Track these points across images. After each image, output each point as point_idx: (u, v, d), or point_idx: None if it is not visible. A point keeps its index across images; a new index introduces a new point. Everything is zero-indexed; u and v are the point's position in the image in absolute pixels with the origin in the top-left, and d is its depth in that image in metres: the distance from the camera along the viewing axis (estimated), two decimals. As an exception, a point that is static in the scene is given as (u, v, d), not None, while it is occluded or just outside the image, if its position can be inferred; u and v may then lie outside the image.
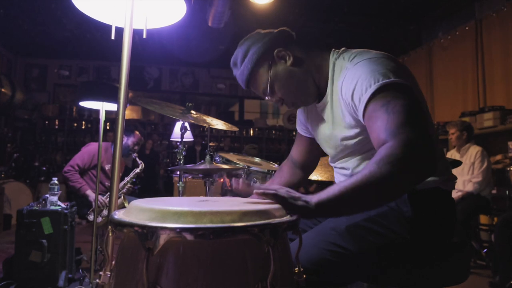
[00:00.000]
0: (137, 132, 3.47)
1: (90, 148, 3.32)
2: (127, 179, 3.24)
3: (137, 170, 3.26)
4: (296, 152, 1.42)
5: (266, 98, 1.18)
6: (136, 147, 3.44)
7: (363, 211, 0.97)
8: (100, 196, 3.12)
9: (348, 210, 0.88)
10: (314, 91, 1.16)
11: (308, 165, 1.43)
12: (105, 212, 3.05)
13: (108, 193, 3.14)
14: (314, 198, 0.83)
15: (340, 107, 1.08)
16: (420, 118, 0.91)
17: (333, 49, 1.16)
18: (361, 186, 0.82)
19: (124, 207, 3.21)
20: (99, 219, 2.98)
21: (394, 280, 1.05)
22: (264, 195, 0.82)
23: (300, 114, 1.36)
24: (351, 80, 0.99)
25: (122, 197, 3.15)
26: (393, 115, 0.89)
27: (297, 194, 0.84)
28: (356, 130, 1.06)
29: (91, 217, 3.05)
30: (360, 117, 0.99)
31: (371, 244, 0.98)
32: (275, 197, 0.82)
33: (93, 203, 3.06)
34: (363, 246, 0.97)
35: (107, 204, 3.07)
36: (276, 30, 1.17)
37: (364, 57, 1.02)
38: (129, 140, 3.38)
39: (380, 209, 1.03)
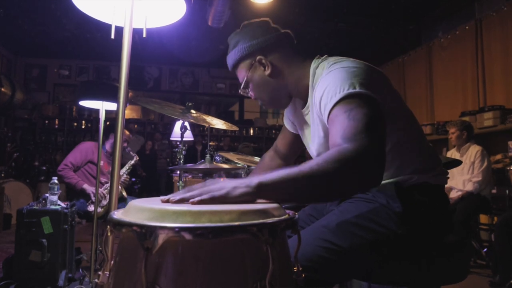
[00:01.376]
0: (125, 130, 3.50)
1: (82, 147, 3.39)
2: (123, 170, 3.29)
3: (132, 162, 3.34)
4: (281, 143, 1.50)
5: (240, 91, 1.26)
6: (125, 144, 3.47)
7: (300, 202, 0.99)
8: (93, 188, 3.17)
9: (287, 197, 0.87)
10: (285, 102, 1.26)
11: (290, 157, 1.51)
12: (104, 202, 3.09)
13: (105, 184, 3.22)
14: (255, 179, 0.82)
15: (316, 114, 1.11)
16: (378, 129, 0.93)
17: (318, 55, 1.20)
18: (304, 176, 0.83)
19: (122, 196, 3.23)
20: (99, 209, 3.03)
21: (392, 277, 1.05)
22: (202, 202, 0.78)
23: (287, 111, 1.40)
24: (321, 88, 1.03)
25: (120, 187, 3.19)
26: (353, 121, 0.91)
27: (231, 183, 0.82)
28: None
29: (90, 208, 3.09)
30: (326, 123, 1.02)
31: (363, 240, 0.99)
32: (214, 200, 0.78)
33: (91, 196, 3.12)
34: (354, 242, 0.98)
35: (105, 195, 3.13)
36: (271, 35, 1.20)
37: (337, 66, 1.05)
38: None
39: (371, 206, 1.05)
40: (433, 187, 1.10)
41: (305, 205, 1.45)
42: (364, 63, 1.07)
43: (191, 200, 0.77)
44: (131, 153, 3.32)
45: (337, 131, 0.92)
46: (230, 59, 1.23)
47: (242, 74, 1.22)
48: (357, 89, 0.95)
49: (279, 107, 1.31)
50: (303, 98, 1.22)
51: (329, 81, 1.01)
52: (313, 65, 1.17)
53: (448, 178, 1.18)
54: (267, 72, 1.18)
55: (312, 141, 1.22)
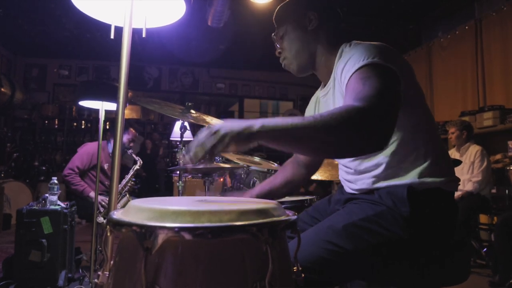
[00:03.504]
0: (131, 129, 3.44)
1: (88, 149, 3.30)
2: (128, 177, 3.21)
3: (136, 167, 3.23)
4: None
5: (274, 37, 1.27)
6: (131, 144, 3.41)
7: (299, 152, 0.99)
8: (103, 197, 3.12)
9: (286, 145, 0.87)
10: (307, 67, 1.24)
11: (313, 165, 1.44)
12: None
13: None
14: (258, 121, 0.82)
15: (339, 91, 1.10)
16: (390, 98, 0.92)
17: (345, 42, 1.21)
18: (308, 126, 0.82)
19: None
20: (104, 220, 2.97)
21: (393, 279, 1.05)
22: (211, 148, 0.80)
23: (307, 113, 1.39)
24: (344, 60, 1.05)
25: (127, 195, 3.14)
26: (367, 87, 0.91)
27: (234, 125, 0.82)
28: None
29: (99, 219, 3.03)
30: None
31: (367, 243, 0.98)
32: (223, 137, 0.79)
33: (99, 206, 3.05)
34: (359, 245, 0.97)
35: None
36: (336, 8, 1.27)
37: (364, 43, 1.07)
38: (124, 137, 3.35)
39: (377, 209, 1.03)
40: (444, 194, 1.07)
41: (307, 205, 1.45)
42: (386, 45, 1.07)
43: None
44: (133, 156, 3.23)
45: (350, 94, 0.93)
46: (281, 10, 1.26)
47: (285, 20, 1.23)
48: (377, 59, 0.96)
49: (299, 68, 1.25)
50: (324, 77, 1.23)
51: (352, 54, 1.03)
52: (342, 46, 1.18)
53: (458, 185, 1.15)
54: (311, 27, 1.20)
55: None
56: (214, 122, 2.36)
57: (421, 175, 1.04)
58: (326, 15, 1.23)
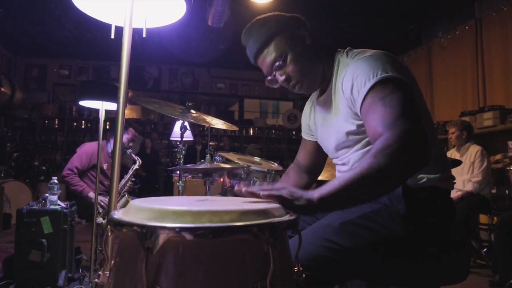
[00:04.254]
0: (131, 129, 3.43)
1: (86, 149, 3.29)
2: (127, 177, 3.20)
3: (136, 167, 3.21)
4: (302, 156, 1.44)
5: (271, 75, 1.17)
6: (131, 144, 3.41)
7: (364, 202, 0.99)
8: (102, 197, 3.12)
9: (349, 202, 0.90)
10: (319, 79, 1.18)
11: (314, 169, 1.45)
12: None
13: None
14: (315, 194, 0.83)
15: (342, 102, 1.10)
16: (415, 112, 0.95)
17: (339, 49, 1.20)
18: (360, 178, 0.84)
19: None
20: (103, 220, 2.97)
21: (392, 278, 1.05)
22: (270, 197, 0.82)
23: (304, 117, 1.40)
24: (351, 75, 1.04)
25: (126, 195, 3.14)
26: (390, 108, 0.92)
27: (299, 193, 0.84)
28: (358, 123, 1.08)
29: (99, 220, 3.03)
30: (358, 110, 1.02)
31: (365, 240, 0.99)
32: (279, 199, 0.82)
33: (99, 207, 3.04)
34: (356, 242, 0.98)
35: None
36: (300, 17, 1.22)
37: (364, 54, 1.06)
38: (124, 137, 3.34)
39: (374, 206, 1.05)
40: (441, 192, 1.08)
41: None
42: (387, 53, 1.07)
43: (262, 193, 0.82)
44: (132, 155, 3.22)
45: (375, 120, 0.94)
46: (262, 36, 1.13)
47: (278, 46, 1.12)
48: (389, 73, 0.97)
49: (313, 84, 1.19)
50: (325, 86, 1.21)
51: (359, 68, 1.02)
52: (337, 54, 1.17)
53: (455, 183, 1.17)
54: (309, 41, 1.15)
55: (334, 129, 1.18)
56: (214, 122, 2.36)
57: (420, 171, 1.05)
58: (306, 26, 1.20)
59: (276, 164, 2.90)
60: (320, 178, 2.38)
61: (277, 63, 1.13)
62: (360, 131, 1.08)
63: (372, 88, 0.97)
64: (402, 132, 0.88)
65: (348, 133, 1.11)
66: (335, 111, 1.15)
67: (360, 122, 1.07)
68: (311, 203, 0.82)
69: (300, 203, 0.82)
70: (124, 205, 2.99)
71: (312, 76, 1.17)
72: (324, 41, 1.21)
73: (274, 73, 1.16)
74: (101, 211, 3.01)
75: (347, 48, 1.18)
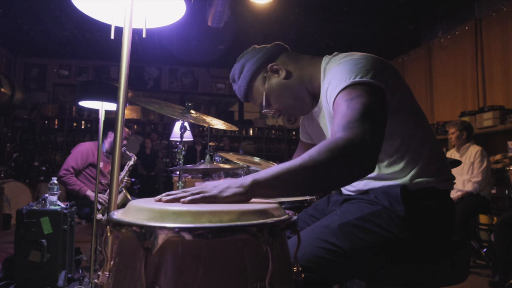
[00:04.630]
0: (124, 128, 3.45)
1: (81, 149, 3.33)
2: (122, 173, 3.23)
3: (131, 163, 3.25)
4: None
5: (264, 111, 1.23)
6: (125, 141, 3.43)
7: (297, 194, 0.98)
8: (101, 195, 3.13)
9: (282, 191, 0.89)
10: (309, 101, 1.22)
11: None
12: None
13: (108, 190, 3.15)
14: (249, 177, 0.83)
15: (327, 109, 1.11)
16: (376, 119, 0.93)
17: (326, 55, 1.20)
18: (297, 168, 0.84)
19: (128, 199, 3.15)
20: (103, 217, 2.98)
21: (391, 279, 1.05)
22: (193, 202, 0.78)
23: (303, 121, 1.41)
24: (329, 79, 1.05)
25: (124, 191, 3.15)
26: (351, 111, 0.92)
27: (225, 183, 0.83)
28: None
29: (99, 216, 3.04)
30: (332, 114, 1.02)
31: (364, 242, 0.99)
32: (205, 199, 0.79)
33: (94, 202, 3.06)
34: (355, 244, 0.98)
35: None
36: (270, 45, 1.23)
37: (346, 59, 1.06)
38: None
39: (373, 208, 1.04)
40: (440, 193, 1.08)
41: (307, 205, 1.45)
42: (372, 56, 1.07)
43: (182, 200, 0.77)
44: (127, 152, 3.25)
45: (336, 120, 0.94)
46: (242, 86, 1.22)
47: (259, 92, 1.21)
48: (360, 78, 0.96)
49: (306, 109, 1.25)
50: (316, 97, 1.21)
51: (336, 72, 1.02)
52: (323, 62, 1.17)
53: (454, 184, 1.16)
54: (282, 75, 1.18)
55: (323, 135, 1.21)
56: (213, 122, 2.36)
57: (414, 175, 1.06)
58: (278, 54, 1.21)
59: (276, 165, 2.89)
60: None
61: (264, 107, 1.21)
62: None
63: (341, 90, 0.97)
64: (353, 135, 0.87)
65: None
66: (324, 115, 1.17)
67: None
68: (243, 185, 0.81)
69: (230, 191, 0.80)
70: (122, 201, 3.05)
71: (299, 102, 1.21)
72: (304, 58, 1.22)
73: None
74: (99, 208, 3.03)
75: (334, 54, 1.18)
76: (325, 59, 1.18)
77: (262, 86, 1.20)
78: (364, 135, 0.87)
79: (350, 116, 0.91)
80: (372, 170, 0.90)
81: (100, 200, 3.07)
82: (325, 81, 1.08)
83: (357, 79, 0.96)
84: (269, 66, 1.19)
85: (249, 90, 1.22)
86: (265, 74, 1.19)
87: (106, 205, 3.02)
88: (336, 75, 1.01)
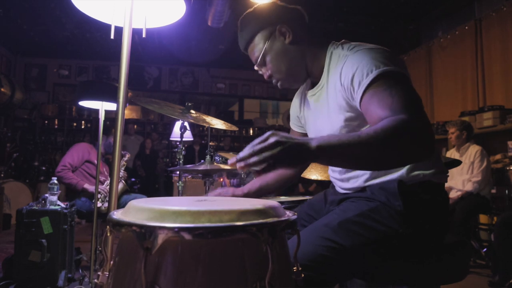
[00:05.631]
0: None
1: (77, 148, 3.38)
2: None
3: (125, 159, 3.33)
4: None
5: (256, 68, 1.23)
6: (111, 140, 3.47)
7: (358, 168, 1.00)
8: (100, 185, 3.16)
9: (340, 161, 0.89)
10: (303, 76, 1.21)
11: None
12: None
13: (106, 181, 3.21)
14: (314, 141, 0.82)
15: (337, 94, 1.09)
16: (420, 103, 0.94)
17: (333, 41, 1.19)
18: (362, 143, 0.82)
19: (126, 190, 3.18)
20: (105, 204, 3.01)
21: (391, 277, 1.05)
22: (264, 149, 0.77)
23: (293, 108, 1.39)
24: (352, 65, 1.02)
25: (123, 181, 3.20)
26: (397, 97, 0.92)
27: (294, 138, 0.81)
28: (352, 116, 1.08)
29: (98, 204, 3.05)
30: (357, 102, 1.01)
31: (364, 238, 0.99)
32: (274, 145, 0.77)
33: (94, 195, 3.09)
34: (356, 240, 0.98)
35: (107, 191, 3.10)
36: (290, 7, 1.21)
37: (365, 47, 1.06)
38: (111, 138, 3.45)
39: (372, 204, 1.05)
40: (436, 186, 1.10)
41: (303, 203, 1.45)
42: (385, 48, 1.06)
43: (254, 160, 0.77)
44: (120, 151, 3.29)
45: (381, 107, 0.92)
46: (246, 34, 1.20)
47: (259, 47, 1.18)
48: (388, 68, 0.96)
49: (296, 82, 1.24)
50: (315, 79, 1.20)
51: (361, 60, 1.00)
52: (330, 46, 1.16)
53: (448, 176, 1.18)
54: (288, 40, 1.16)
55: (327, 123, 1.17)
56: (214, 122, 2.36)
57: (409, 170, 1.07)
58: (293, 18, 1.19)
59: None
60: (320, 178, 2.38)
61: (258, 65, 1.20)
62: (354, 124, 1.08)
63: (375, 79, 0.95)
64: (415, 117, 0.87)
65: (342, 127, 1.10)
66: (328, 103, 1.14)
67: (354, 115, 1.07)
68: (309, 145, 0.81)
69: (298, 141, 0.79)
70: (121, 191, 3.14)
71: (292, 74, 1.20)
72: (314, 35, 1.21)
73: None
74: (99, 197, 3.05)
75: (342, 41, 1.17)
76: (332, 44, 1.17)
77: (264, 42, 1.17)
78: (419, 116, 0.89)
79: (400, 102, 0.90)
80: (433, 151, 0.90)
81: (100, 190, 3.10)
82: (337, 66, 1.07)
83: (387, 67, 0.96)
84: (279, 26, 1.16)
85: (251, 41, 1.20)
86: (271, 33, 1.17)
87: (105, 195, 3.05)
88: (362, 63, 0.99)
